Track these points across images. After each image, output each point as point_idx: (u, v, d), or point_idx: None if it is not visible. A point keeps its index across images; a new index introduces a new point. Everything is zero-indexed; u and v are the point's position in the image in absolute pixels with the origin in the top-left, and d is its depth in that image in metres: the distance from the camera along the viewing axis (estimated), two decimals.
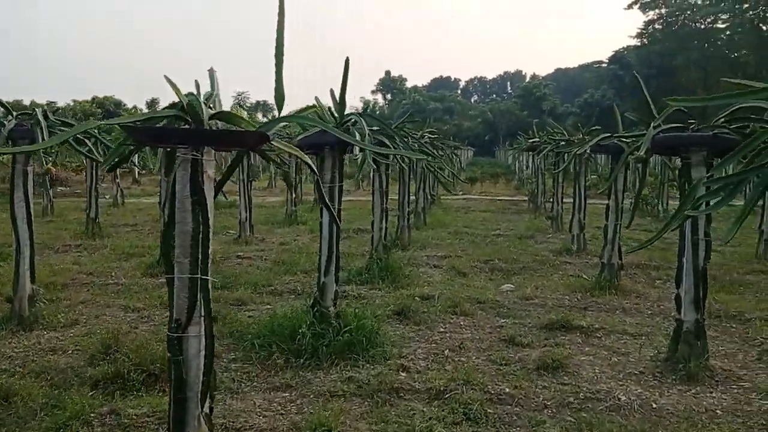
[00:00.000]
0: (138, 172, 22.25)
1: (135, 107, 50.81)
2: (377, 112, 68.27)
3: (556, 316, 5.46)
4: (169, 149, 2.72)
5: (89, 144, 5.48)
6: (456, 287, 6.70)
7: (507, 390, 3.93)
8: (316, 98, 4.96)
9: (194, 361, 2.49)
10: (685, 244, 4.33)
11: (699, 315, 4.34)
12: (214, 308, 5.49)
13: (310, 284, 6.42)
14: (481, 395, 3.82)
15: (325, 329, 4.45)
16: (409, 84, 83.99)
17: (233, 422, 3.42)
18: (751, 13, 42.89)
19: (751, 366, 4.52)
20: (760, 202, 8.37)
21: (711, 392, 4.02)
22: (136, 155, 10.15)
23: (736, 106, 3.83)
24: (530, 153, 15.82)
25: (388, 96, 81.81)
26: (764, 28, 43.07)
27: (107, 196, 15.91)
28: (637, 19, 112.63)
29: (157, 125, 2.51)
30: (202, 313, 2.49)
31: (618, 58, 53.94)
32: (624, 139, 6.08)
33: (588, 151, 7.73)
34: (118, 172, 15.54)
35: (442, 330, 5.23)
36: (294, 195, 12.53)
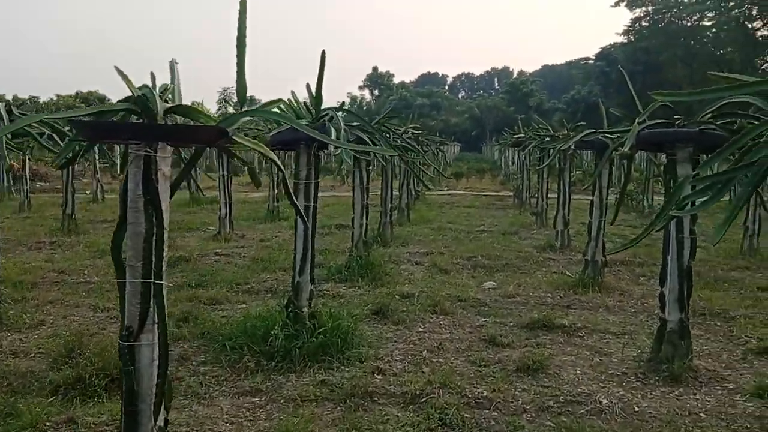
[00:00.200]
0: (120, 168, 21.89)
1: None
2: (364, 108, 68.09)
3: (538, 315, 5.34)
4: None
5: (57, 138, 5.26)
6: (437, 285, 6.57)
7: (485, 393, 3.80)
8: (292, 92, 4.82)
9: (147, 371, 2.33)
10: (669, 242, 4.23)
11: (683, 314, 4.24)
12: (188, 308, 5.40)
13: (288, 282, 6.25)
14: (459, 399, 3.69)
15: (298, 330, 4.30)
16: (396, 80, 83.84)
17: (198, 429, 3.27)
18: (736, 10, 43.06)
19: (735, 366, 4.43)
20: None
21: (695, 394, 3.92)
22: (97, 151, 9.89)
23: (723, 102, 3.73)
24: (516, 149, 15.75)
25: (376, 92, 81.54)
26: (749, 25, 43.29)
27: (88, 192, 15.67)
28: (624, 16, 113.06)
29: (110, 120, 2.34)
30: (156, 320, 2.32)
31: (605, 54, 53.99)
32: (609, 135, 5.98)
33: (572, 146, 7.63)
34: (97, 167, 15.31)
35: (421, 330, 5.10)
36: (276, 191, 12.35)
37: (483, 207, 15.05)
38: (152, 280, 2.30)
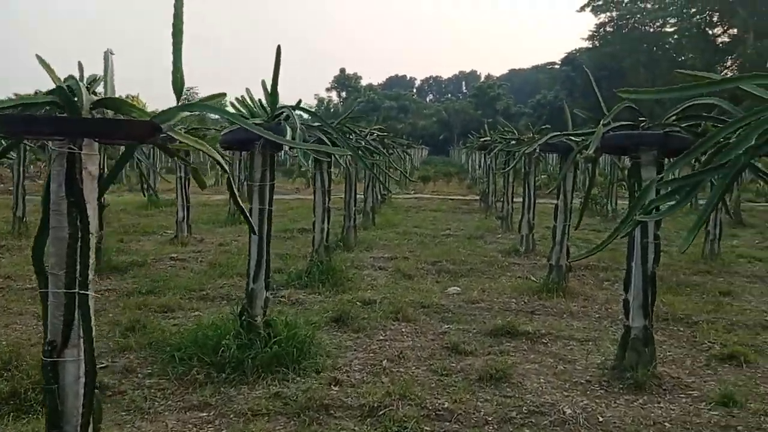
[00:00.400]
0: None
1: None
2: (332, 110, 67.78)
3: (502, 321, 5.22)
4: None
5: None
6: (400, 291, 6.41)
7: (446, 405, 3.65)
8: (247, 89, 4.61)
9: (72, 389, 2.12)
10: (634, 247, 4.14)
11: (647, 321, 4.16)
12: (137, 316, 5.14)
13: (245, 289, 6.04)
14: (418, 411, 3.53)
15: (252, 340, 4.09)
16: (364, 82, 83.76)
17: None
18: (698, 17, 44.08)
19: (699, 372, 4.37)
20: (702, 202, 8.35)
21: (659, 402, 3.83)
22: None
23: (687, 104, 3.66)
24: (482, 152, 15.71)
25: (343, 94, 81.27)
26: (710, 32, 44.33)
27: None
28: (589, 22, 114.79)
29: (28, 113, 2.13)
30: (81, 335, 2.11)
31: (570, 59, 54.78)
32: (573, 138, 5.90)
33: (537, 150, 7.55)
34: None
35: (382, 338, 4.93)
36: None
37: (449, 211, 14.96)
38: (77, 290, 2.09)
